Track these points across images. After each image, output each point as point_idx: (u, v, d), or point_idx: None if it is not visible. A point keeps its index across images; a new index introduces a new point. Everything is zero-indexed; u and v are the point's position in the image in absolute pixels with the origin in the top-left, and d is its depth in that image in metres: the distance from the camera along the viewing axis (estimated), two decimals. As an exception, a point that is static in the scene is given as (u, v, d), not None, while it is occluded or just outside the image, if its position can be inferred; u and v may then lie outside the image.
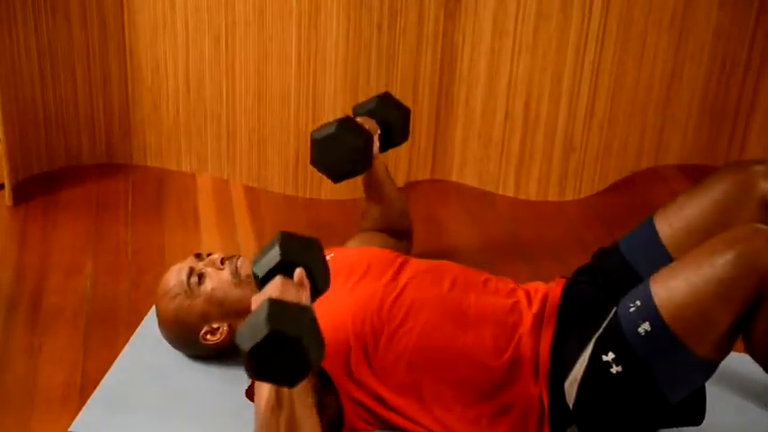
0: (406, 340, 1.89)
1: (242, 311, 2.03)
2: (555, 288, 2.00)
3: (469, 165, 3.02)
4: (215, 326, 2.05)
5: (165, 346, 2.15)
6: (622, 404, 1.79)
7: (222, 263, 2.07)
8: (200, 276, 2.05)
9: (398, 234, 2.44)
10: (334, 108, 2.79)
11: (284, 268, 1.66)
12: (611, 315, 1.82)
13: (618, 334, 1.77)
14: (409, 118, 2.41)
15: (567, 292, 1.97)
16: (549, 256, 2.68)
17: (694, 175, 3.12)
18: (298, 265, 1.66)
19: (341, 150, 2.20)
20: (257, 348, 1.48)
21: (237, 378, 2.09)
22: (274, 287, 1.62)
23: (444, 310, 1.93)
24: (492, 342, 1.89)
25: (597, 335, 1.81)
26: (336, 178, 2.27)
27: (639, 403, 1.77)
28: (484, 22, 2.81)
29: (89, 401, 2.05)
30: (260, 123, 2.90)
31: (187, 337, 2.08)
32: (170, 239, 2.70)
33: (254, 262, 1.70)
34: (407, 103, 2.87)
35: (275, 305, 1.52)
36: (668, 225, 1.98)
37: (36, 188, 2.91)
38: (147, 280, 2.49)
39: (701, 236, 1.88)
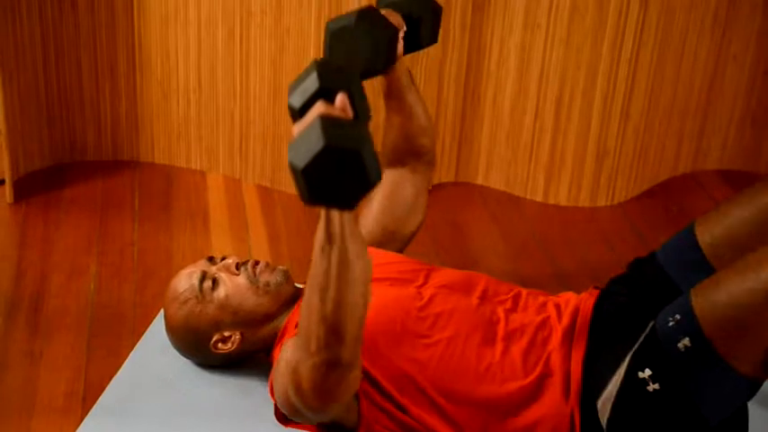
0: (431, 353, 1.89)
1: (256, 320, 2.04)
2: (587, 300, 1.99)
3: (496, 167, 3.02)
4: (227, 334, 2.05)
5: (173, 353, 2.16)
6: (659, 424, 1.78)
7: (237, 268, 2.07)
8: (214, 281, 2.05)
9: (420, 156, 2.27)
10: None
11: (324, 95, 1.59)
12: (648, 329, 1.81)
13: (655, 349, 1.76)
14: (440, 17, 2.23)
15: (600, 305, 1.96)
16: (579, 265, 2.68)
17: (734, 182, 3.11)
18: (338, 92, 1.59)
19: (360, 44, 2.03)
20: (312, 165, 1.42)
21: (248, 389, 2.09)
22: (319, 108, 1.54)
23: (472, 323, 1.93)
24: (521, 359, 1.89)
25: (633, 350, 1.81)
26: None
27: (677, 423, 1.77)
28: (514, 14, 2.81)
29: (92, 411, 2.06)
30: (275, 120, 2.91)
31: (197, 344, 2.09)
32: (178, 241, 2.70)
33: (290, 93, 1.64)
34: (430, 101, 2.87)
35: (327, 120, 1.46)
36: (710, 234, 1.97)
37: (38, 184, 2.92)
38: (153, 283, 2.50)
39: (745, 247, 1.87)
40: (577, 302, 1.99)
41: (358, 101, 1.62)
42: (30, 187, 2.89)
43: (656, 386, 1.76)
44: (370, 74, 2.09)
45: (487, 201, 2.99)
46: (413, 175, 2.26)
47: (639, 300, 1.97)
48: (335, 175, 1.43)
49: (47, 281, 2.50)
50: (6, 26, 2.78)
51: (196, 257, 2.48)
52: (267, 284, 2.04)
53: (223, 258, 2.11)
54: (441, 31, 2.22)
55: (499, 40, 2.86)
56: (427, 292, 1.98)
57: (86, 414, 2.05)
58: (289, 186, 2.96)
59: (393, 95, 2.21)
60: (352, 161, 1.43)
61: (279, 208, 2.89)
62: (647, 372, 1.77)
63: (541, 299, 2.02)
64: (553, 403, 1.86)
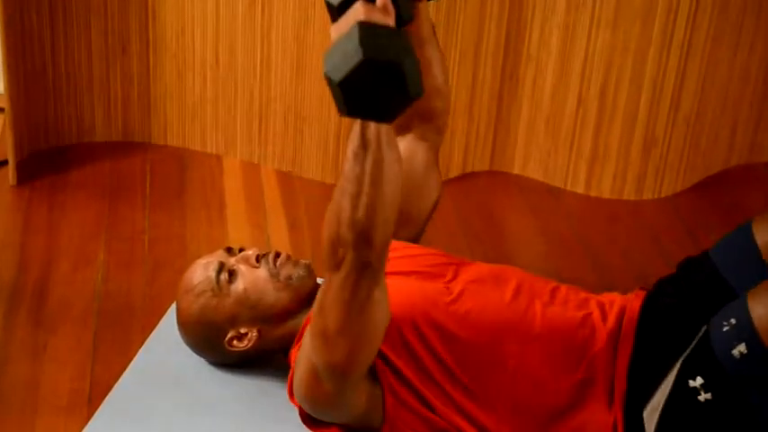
0: (460, 353, 1.88)
1: (275, 317, 2.04)
2: (633, 301, 1.98)
3: (534, 156, 3.01)
4: (243, 331, 2.05)
5: (186, 350, 2.15)
6: (710, 437, 1.77)
7: (257, 260, 2.07)
8: (232, 273, 2.04)
9: (432, 118, 2.18)
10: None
11: None
12: (700, 334, 1.80)
13: (708, 356, 1.75)
14: None
15: (647, 307, 1.95)
16: (623, 262, 2.67)
17: (793, 176, 3.10)
18: None
19: None
20: (350, 77, 1.44)
21: (265, 390, 2.10)
22: (357, 12, 1.56)
23: (506, 320, 1.92)
24: (560, 359, 1.88)
25: (683, 357, 1.80)
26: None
27: (730, 437, 1.76)
28: (558, -8, 2.81)
29: (98, 410, 2.06)
30: (297, 100, 2.91)
31: (211, 341, 2.08)
32: (192, 229, 2.71)
33: None
34: (464, 83, 2.87)
35: (366, 28, 1.47)
36: (768, 233, 1.96)
37: (43, 166, 2.93)
38: (165, 274, 2.50)
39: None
40: (623, 304, 1.98)
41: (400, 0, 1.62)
42: (34, 169, 2.90)
43: (708, 396, 1.75)
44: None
45: (524, 192, 2.98)
46: (420, 142, 2.16)
47: (691, 302, 1.95)
48: (374, 89, 1.44)
49: (51, 269, 2.51)
50: (12, -4, 2.79)
51: (211, 247, 2.49)
52: (289, 278, 2.04)
53: (241, 249, 2.11)
54: (477, 7, 2.18)
55: (540, 19, 2.84)
56: (456, 288, 1.97)
57: (92, 414, 2.05)
58: (311, 172, 2.95)
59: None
60: (392, 74, 1.44)
61: (300, 195, 2.90)
62: (699, 380, 1.76)
63: (583, 295, 2.01)
64: (595, 410, 1.86)
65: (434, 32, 2.11)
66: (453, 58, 2.82)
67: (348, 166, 1.61)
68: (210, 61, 2.95)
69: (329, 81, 1.46)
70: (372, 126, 1.57)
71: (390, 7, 1.60)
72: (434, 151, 2.19)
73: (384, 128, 1.58)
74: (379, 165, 1.59)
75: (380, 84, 1.44)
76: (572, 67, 2.86)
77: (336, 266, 1.66)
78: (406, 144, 2.14)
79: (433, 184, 2.20)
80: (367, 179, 1.59)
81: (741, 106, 3.04)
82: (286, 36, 2.84)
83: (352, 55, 1.43)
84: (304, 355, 1.83)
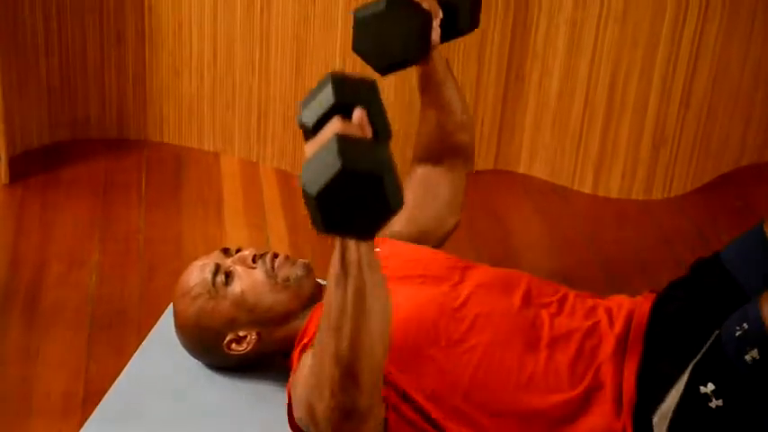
0: (467, 359, 1.88)
1: (274, 319, 2.04)
2: (642, 304, 1.98)
3: (540, 155, 3.01)
4: (241, 334, 2.05)
5: (182, 353, 2.15)
6: (721, 445, 1.77)
7: (254, 261, 2.07)
8: (228, 275, 2.04)
9: (458, 152, 2.30)
10: (385, 83, 2.78)
11: (340, 111, 1.58)
12: (712, 339, 1.80)
13: (720, 362, 1.75)
14: (480, 1, 2.23)
15: (657, 310, 1.95)
16: (631, 264, 2.67)
17: (806, 176, 3.09)
18: (355, 107, 1.58)
19: (391, 32, 2.04)
20: (327, 190, 1.41)
21: (264, 394, 2.10)
22: (335, 125, 1.54)
23: (513, 328, 1.92)
24: (567, 369, 1.88)
25: (694, 362, 1.79)
26: (384, 69, 2.12)
27: (742, 445, 1.76)
28: (565, -14, 2.81)
29: (93, 415, 2.06)
30: (297, 97, 2.90)
31: (208, 344, 2.08)
32: (189, 229, 2.70)
33: (302, 108, 1.62)
34: (469, 82, 2.86)
35: (344, 140, 1.45)
36: (782, 234, 1.96)
37: (36, 164, 2.93)
38: (161, 275, 2.50)
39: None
40: (631, 307, 1.97)
41: (377, 117, 1.60)
42: (27, 167, 2.90)
43: (720, 402, 1.75)
44: (402, 65, 2.10)
45: (530, 191, 2.97)
46: (449, 172, 2.27)
47: (702, 306, 1.95)
48: (353, 202, 1.42)
49: (44, 271, 2.51)
50: (4, -11, 2.79)
51: (208, 248, 2.49)
52: (286, 279, 2.04)
53: (238, 250, 2.11)
54: (482, 3, 2.23)
55: (547, 15, 2.84)
56: (463, 292, 1.97)
57: (86, 418, 2.05)
58: (311, 171, 2.95)
59: (429, 88, 2.21)
60: (371, 186, 1.42)
61: (299, 194, 2.87)
62: (710, 386, 1.75)
63: (590, 302, 2.01)
64: (603, 418, 1.85)
65: (450, 71, 2.22)
66: (457, 56, 2.82)
67: (329, 293, 1.59)
68: (208, 57, 2.95)
69: (305, 195, 1.43)
70: (353, 248, 1.54)
71: (367, 125, 1.57)
72: (463, 179, 2.30)
73: (365, 249, 1.55)
74: (361, 293, 1.56)
75: (359, 197, 1.42)
76: (579, 65, 2.86)
77: (323, 398, 1.65)
78: (436, 172, 2.26)
79: (457, 208, 2.31)
80: (349, 310, 1.57)
81: (753, 103, 3.04)
82: (285, 33, 2.84)
83: (330, 166, 1.41)
84: (299, 388, 1.83)
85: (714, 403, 1.75)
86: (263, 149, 3.01)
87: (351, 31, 2.75)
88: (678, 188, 2.98)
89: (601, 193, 2.97)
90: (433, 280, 2.01)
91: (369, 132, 1.57)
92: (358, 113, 1.56)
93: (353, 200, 1.42)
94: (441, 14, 2.13)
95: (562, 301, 2.00)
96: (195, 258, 2.14)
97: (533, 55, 2.90)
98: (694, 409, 1.77)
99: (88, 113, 3.04)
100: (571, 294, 2.03)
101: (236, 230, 2.71)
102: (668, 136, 2.90)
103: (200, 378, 2.14)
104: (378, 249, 2.05)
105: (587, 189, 2.98)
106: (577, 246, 2.75)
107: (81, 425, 2.04)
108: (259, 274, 2.04)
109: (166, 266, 2.53)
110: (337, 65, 2.80)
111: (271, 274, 2.04)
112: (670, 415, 1.79)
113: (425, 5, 2.08)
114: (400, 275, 2.01)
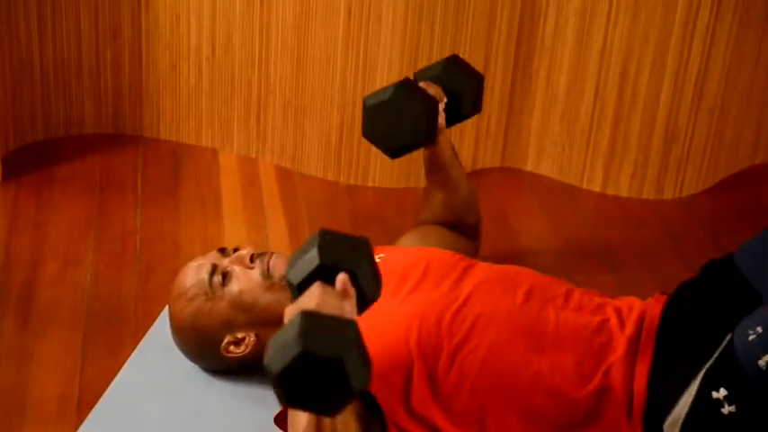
0: (470, 361, 1.89)
1: (273, 320, 2.04)
2: (654, 306, 1.98)
3: (548, 152, 3.01)
4: (240, 335, 2.06)
5: (179, 356, 2.16)
6: (734, 452, 1.77)
7: (252, 260, 2.07)
8: (225, 275, 2.05)
9: (464, 230, 2.45)
10: (388, 77, 2.79)
11: (324, 274, 1.66)
12: (724, 343, 1.80)
13: (733, 366, 1.75)
14: (483, 87, 2.45)
15: (668, 312, 1.95)
16: (641, 265, 2.67)
17: (822, 175, 3.09)
18: (340, 271, 1.66)
19: (399, 118, 2.26)
20: (288, 371, 1.47)
21: (263, 398, 2.09)
22: (311, 297, 1.62)
23: (517, 326, 1.92)
24: (574, 368, 1.88)
25: (706, 367, 1.80)
26: (393, 152, 2.33)
27: (755, 452, 1.76)
28: (574, -22, 2.81)
29: (88, 418, 2.06)
30: (297, 92, 2.90)
31: (206, 346, 2.09)
32: (186, 228, 2.71)
33: (289, 266, 1.71)
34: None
35: (310, 319, 1.51)
36: (796, 236, 1.96)
37: (30, 161, 2.93)
38: (157, 275, 2.50)
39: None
40: (642, 309, 1.98)
41: (364, 280, 1.67)
42: (20, 164, 2.90)
43: (732, 408, 1.75)
44: (411, 147, 2.32)
45: (537, 190, 2.97)
46: (459, 237, 2.44)
47: (714, 308, 1.95)
48: (315, 383, 1.48)
49: (38, 270, 2.51)
50: (-3, -19, 2.79)
51: (206, 247, 2.50)
52: (283, 279, 2.04)
53: (236, 249, 2.12)
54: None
55: (555, 8, 2.84)
56: (464, 291, 1.98)
57: (81, 421, 2.05)
58: (311, 167, 2.95)
59: (436, 170, 2.39)
60: (331, 369, 1.47)
61: (300, 192, 2.89)
62: (723, 392, 1.76)
63: (598, 300, 2.02)
64: (612, 423, 1.85)
65: (456, 154, 2.43)
66: (463, 49, 2.81)
67: None
68: (206, 51, 2.95)
69: (267, 372, 1.49)
70: (327, 421, 1.60)
71: (350, 290, 1.65)
72: (474, 244, 2.47)
73: (339, 418, 1.60)
74: None
75: (320, 378, 1.47)
76: (588, 59, 2.86)
77: None
78: (445, 236, 2.40)
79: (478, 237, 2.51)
80: None
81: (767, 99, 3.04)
82: (286, 25, 2.84)
83: (291, 347, 1.47)
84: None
85: (726, 409, 1.75)
86: (262, 145, 3.01)
87: (353, 22, 2.78)
88: (690, 187, 2.98)
89: (610, 192, 2.97)
90: (434, 279, 2.02)
91: (352, 297, 1.64)
92: (341, 279, 1.64)
93: (315, 381, 1.48)
94: (445, 100, 2.35)
95: (568, 296, 2.01)
96: (192, 258, 2.15)
97: (541, 48, 2.90)
98: (706, 415, 1.77)
99: (83, 109, 3.04)
100: (577, 291, 2.04)
101: (234, 228, 2.71)
102: (680, 131, 2.89)
103: (198, 380, 2.15)
104: (382, 256, 2.07)
105: (596, 188, 2.98)
106: (586, 247, 2.75)
107: (76, 428, 2.04)
108: (256, 273, 2.05)
109: (163, 265, 2.53)
110: (339, 58, 2.80)
111: (266, 274, 2.05)
112: (681, 421, 1.80)
113: (431, 92, 2.29)
114: (402, 276, 2.03)
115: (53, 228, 2.67)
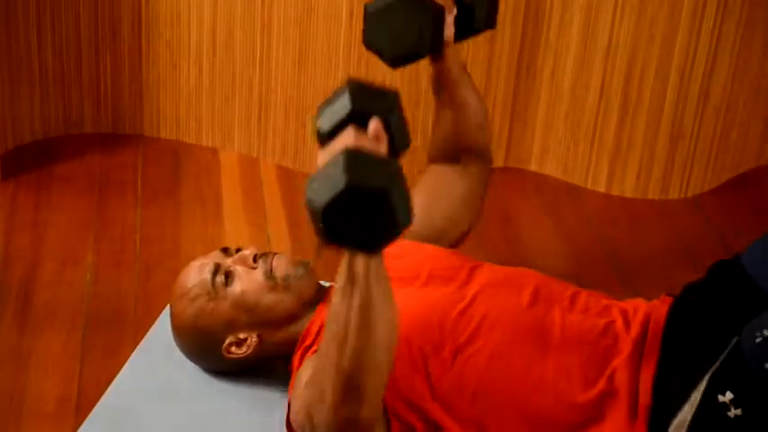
0: (474, 361, 1.89)
1: (275, 320, 2.04)
2: (659, 308, 1.98)
3: (552, 152, 3.01)
4: (242, 336, 2.06)
5: (180, 357, 2.16)
6: (740, 456, 1.77)
7: (255, 261, 2.07)
8: (228, 275, 2.05)
9: (475, 152, 2.33)
10: (390, 76, 2.78)
11: (356, 120, 1.63)
12: (731, 346, 1.79)
13: (739, 369, 1.75)
14: (498, 1, 2.29)
15: (674, 315, 1.94)
16: (647, 266, 2.67)
17: (829, 175, 3.09)
18: (371, 117, 1.63)
19: (402, 25, 2.12)
20: (333, 205, 1.45)
21: (265, 400, 2.10)
22: (347, 137, 1.58)
23: (522, 328, 1.92)
24: (579, 371, 1.88)
25: (712, 370, 1.79)
26: (394, 62, 2.18)
27: (761, 456, 1.76)
28: (579, -25, 2.81)
29: (87, 420, 2.06)
30: (299, 91, 2.90)
31: (207, 347, 2.09)
32: (186, 227, 2.71)
33: (318, 115, 1.67)
34: (478, 76, 2.85)
35: (353, 154, 1.49)
36: (806, 237, 1.96)
37: (29, 160, 2.93)
38: (158, 275, 2.50)
39: None
40: (648, 311, 1.97)
41: (395, 127, 1.64)
42: (19, 163, 2.90)
43: (738, 412, 1.74)
44: (413, 57, 2.16)
45: (542, 190, 2.97)
46: (465, 173, 2.30)
47: (721, 310, 1.95)
48: (359, 218, 1.46)
49: (37, 270, 2.51)
50: (-4, -22, 2.79)
51: (206, 247, 2.50)
52: (285, 279, 2.04)
53: (239, 249, 2.12)
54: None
55: (560, 5, 2.84)
56: (470, 292, 1.97)
57: (80, 423, 2.05)
58: (313, 167, 2.94)
59: (443, 88, 2.24)
60: (378, 203, 1.46)
61: (302, 192, 2.87)
62: (729, 395, 1.75)
63: (604, 302, 2.02)
64: (617, 426, 1.85)
65: (466, 71, 2.25)
66: (467, 47, 2.81)
67: (335, 303, 1.63)
68: (207, 49, 2.95)
69: (311, 207, 1.48)
70: (360, 260, 1.58)
71: (383, 135, 1.62)
72: (480, 179, 2.32)
73: (373, 261, 1.58)
74: (366, 305, 1.60)
75: (366, 213, 1.46)
76: (594, 57, 2.86)
77: (324, 407, 1.68)
78: (451, 170, 2.28)
79: (473, 208, 2.33)
80: (354, 321, 1.60)
81: (775, 98, 3.04)
82: (288, 23, 2.84)
83: (336, 182, 1.46)
84: (296, 398, 1.85)
85: (733, 413, 1.75)
86: (263, 145, 3.01)
87: (355, 21, 2.77)
88: (695, 187, 2.98)
89: (615, 192, 2.97)
90: (439, 280, 2.01)
91: (384, 143, 1.61)
92: (374, 124, 1.60)
93: (360, 216, 1.46)
94: (455, 11, 2.17)
95: (574, 298, 2.00)
96: (193, 258, 2.15)
97: (546, 46, 2.90)
98: (712, 419, 1.76)
99: (82, 108, 3.04)
100: (583, 292, 2.03)
101: (235, 229, 2.71)
102: (686, 131, 2.89)
103: (199, 382, 2.15)
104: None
105: (601, 188, 2.98)
106: (591, 248, 2.75)
107: (75, 430, 2.04)
108: (259, 274, 2.05)
109: (163, 266, 2.53)
110: (341, 56, 2.80)
111: (268, 274, 2.05)
112: (687, 424, 1.79)
113: (439, 0, 2.12)
114: (406, 277, 2.01)
115: (52, 227, 2.67)
